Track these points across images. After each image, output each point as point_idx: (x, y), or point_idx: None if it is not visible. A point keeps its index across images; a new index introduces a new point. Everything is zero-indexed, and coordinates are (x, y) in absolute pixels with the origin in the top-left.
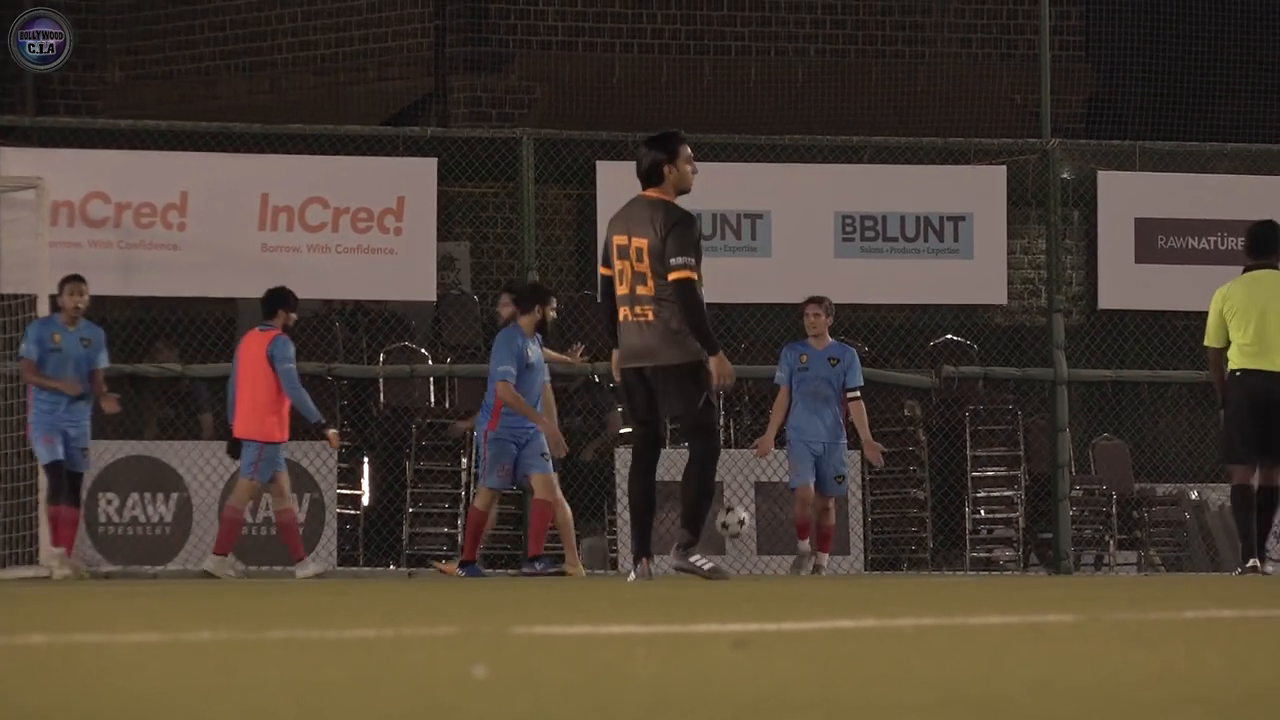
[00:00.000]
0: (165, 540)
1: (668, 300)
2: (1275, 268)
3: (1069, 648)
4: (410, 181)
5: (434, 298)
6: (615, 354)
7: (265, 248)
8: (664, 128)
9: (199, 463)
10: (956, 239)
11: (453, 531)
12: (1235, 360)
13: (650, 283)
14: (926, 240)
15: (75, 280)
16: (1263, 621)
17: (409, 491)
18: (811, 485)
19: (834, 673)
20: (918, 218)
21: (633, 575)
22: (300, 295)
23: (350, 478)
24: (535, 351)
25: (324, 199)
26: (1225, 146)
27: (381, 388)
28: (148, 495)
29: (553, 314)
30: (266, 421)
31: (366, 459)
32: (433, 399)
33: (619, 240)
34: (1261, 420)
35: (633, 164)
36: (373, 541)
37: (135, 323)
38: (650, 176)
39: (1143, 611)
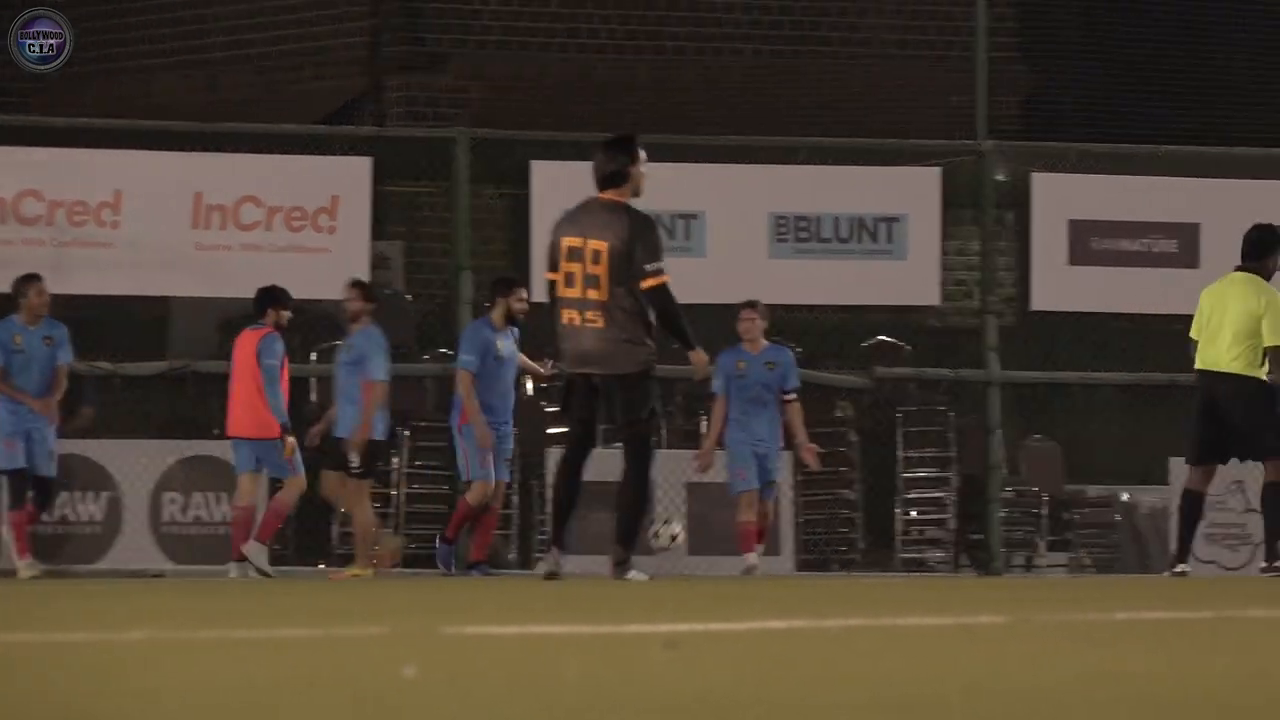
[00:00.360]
0: (96, 539)
1: (621, 309)
2: (1257, 273)
3: (1000, 648)
4: (345, 181)
5: None
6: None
7: (199, 246)
8: (599, 128)
9: (129, 461)
10: (890, 240)
11: (385, 530)
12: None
13: (604, 287)
14: (860, 241)
15: (37, 280)
16: (1192, 623)
17: None
18: (757, 490)
19: (764, 673)
20: (852, 219)
21: (542, 565)
22: (232, 295)
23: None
24: (507, 345)
25: (258, 198)
26: (1160, 149)
27: (313, 387)
28: (78, 494)
29: (521, 305)
30: (262, 418)
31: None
32: None
33: (570, 242)
34: (1204, 420)
35: (567, 164)
36: (303, 541)
37: (67, 320)
38: (613, 179)
39: (1073, 613)
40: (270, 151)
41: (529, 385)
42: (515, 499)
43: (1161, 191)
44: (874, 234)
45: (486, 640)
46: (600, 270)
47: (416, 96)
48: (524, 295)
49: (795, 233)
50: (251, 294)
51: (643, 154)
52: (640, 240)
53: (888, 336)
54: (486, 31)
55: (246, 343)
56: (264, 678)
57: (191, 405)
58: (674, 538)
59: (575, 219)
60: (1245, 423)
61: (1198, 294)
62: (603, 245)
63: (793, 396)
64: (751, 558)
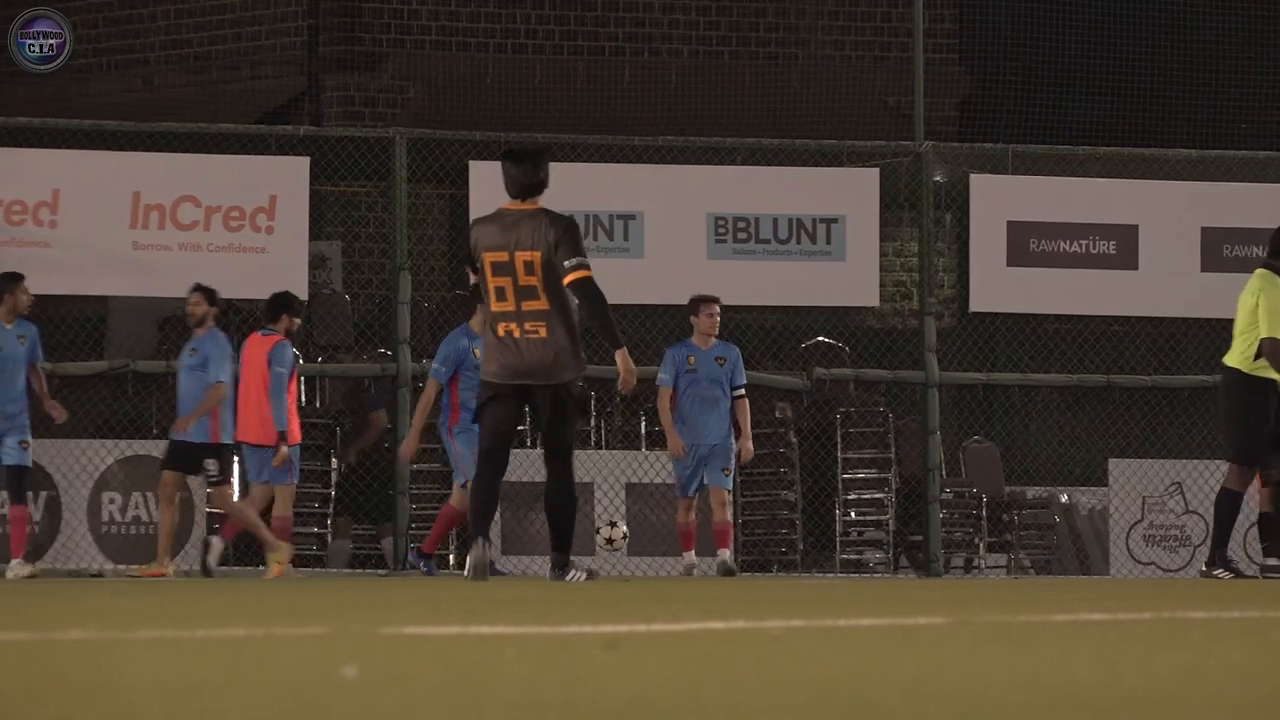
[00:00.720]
0: (34, 539)
1: (561, 316)
2: (1274, 270)
3: (939, 650)
4: (282, 180)
5: (306, 297)
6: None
7: (137, 246)
8: (537, 128)
9: (68, 461)
10: (829, 241)
11: (322, 531)
12: None
13: (543, 296)
14: (799, 242)
15: (21, 278)
16: (1132, 624)
17: None
18: (694, 497)
19: (704, 674)
20: (790, 219)
21: (469, 562)
22: (171, 294)
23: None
24: None
25: (196, 197)
26: (1098, 150)
27: None
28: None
29: None
30: (269, 424)
31: (237, 458)
32: (304, 398)
33: (494, 257)
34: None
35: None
36: (242, 541)
37: None
38: (536, 189)
39: (1013, 614)
40: (208, 151)
41: None
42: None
43: (1100, 193)
44: (812, 235)
45: (426, 640)
46: (535, 280)
47: (354, 96)
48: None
49: (734, 233)
50: (186, 294)
51: None
52: (563, 239)
53: (827, 338)
54: (424, 31)
55: (258, 348)
56: (204, 677)
57: (131, 405)
58: (624, 536)
59: (495, 231)
60: (1224, 417)
61: (1136, 295)
62: (534, 255)
63: (741, 393)
64: (691, 556)
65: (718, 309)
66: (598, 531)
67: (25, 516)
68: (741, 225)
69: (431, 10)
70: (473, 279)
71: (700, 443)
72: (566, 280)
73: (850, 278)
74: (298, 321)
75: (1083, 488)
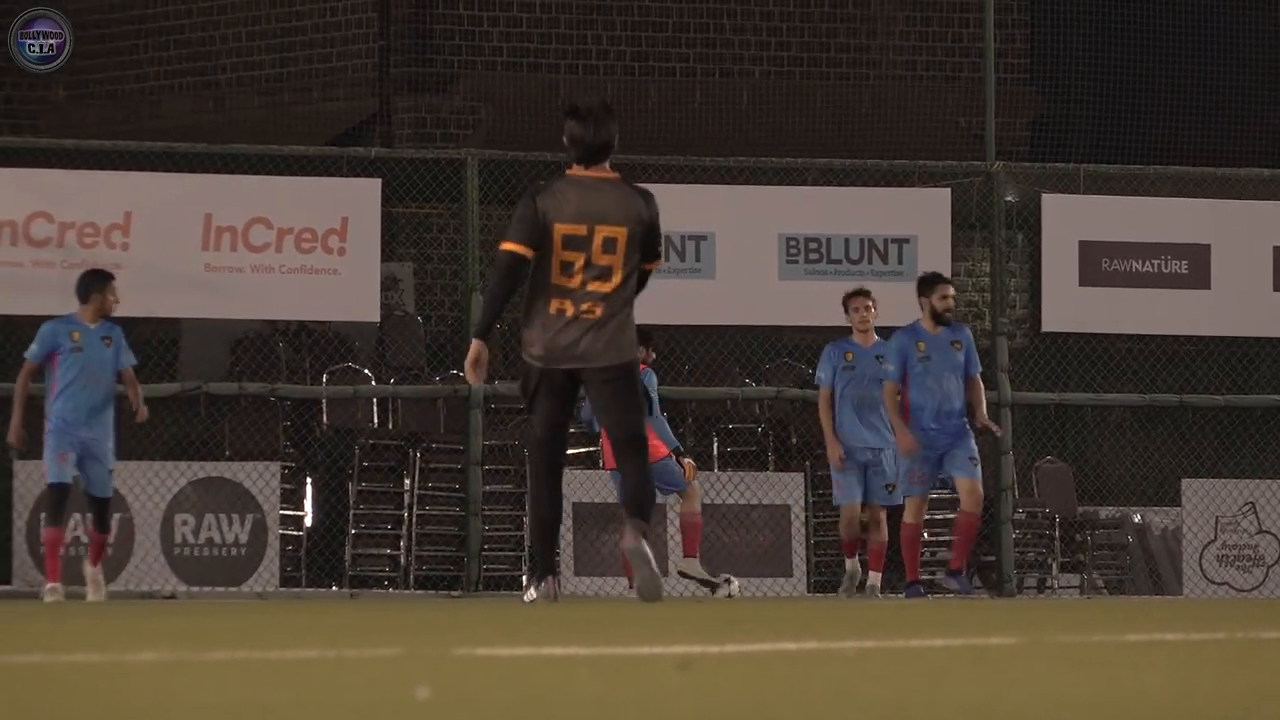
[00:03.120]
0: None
1: (624, 300)
2: None
3: (1011, 670)
4: (354, 202)
5: (378, 318)
6: (480, 347)
7: (209, 268)
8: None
9: (141, 483)
10: (901, 261)
11: (395, 553)
12: None
13: (616, 278)
14: (871, 262)
15: (111, 278)
16: (1205, 645)
17: (351, 512)
18: (859, 503)
19: (776, 695)
20: (862, 240)
21: (532, 594)
22: (243, 316)
23: (293, 498)
24: None
25: (268, 219)
26: (1169, 170)
27: (325, 408)
28: (90, 516)
29: None
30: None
31: (310, 480)
32: (376, 420)
33: (571, 229)
34: None
35: None
36: (315, 562)
37: None
38: (606, 151)
39: (1085, 634)
40: (279, 173)
41: None
42: (526, 520)
43: (1172, 212)
44: (884, 255)
45: (499, 661)
46: (613, 259)
47: (425, 118)
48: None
49: (805, 254)
50: (261, 315)
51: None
52: (656, 226)
53: None
54: (495, 52)
55: None
56: (276, 699)
57: (204, 426)
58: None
59: (572, 200)
60: None
61: (1208, 315)
62: (621, 231)
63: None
64: (853, 564)
65: (870, 301)
66: (717, 588)
67: (104, 541)
68: (813, 246)
69: (503, 31)
70: (515, 250)
71: (860, 449)
72: (650, 267)
73: None
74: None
75: (1156, 508)
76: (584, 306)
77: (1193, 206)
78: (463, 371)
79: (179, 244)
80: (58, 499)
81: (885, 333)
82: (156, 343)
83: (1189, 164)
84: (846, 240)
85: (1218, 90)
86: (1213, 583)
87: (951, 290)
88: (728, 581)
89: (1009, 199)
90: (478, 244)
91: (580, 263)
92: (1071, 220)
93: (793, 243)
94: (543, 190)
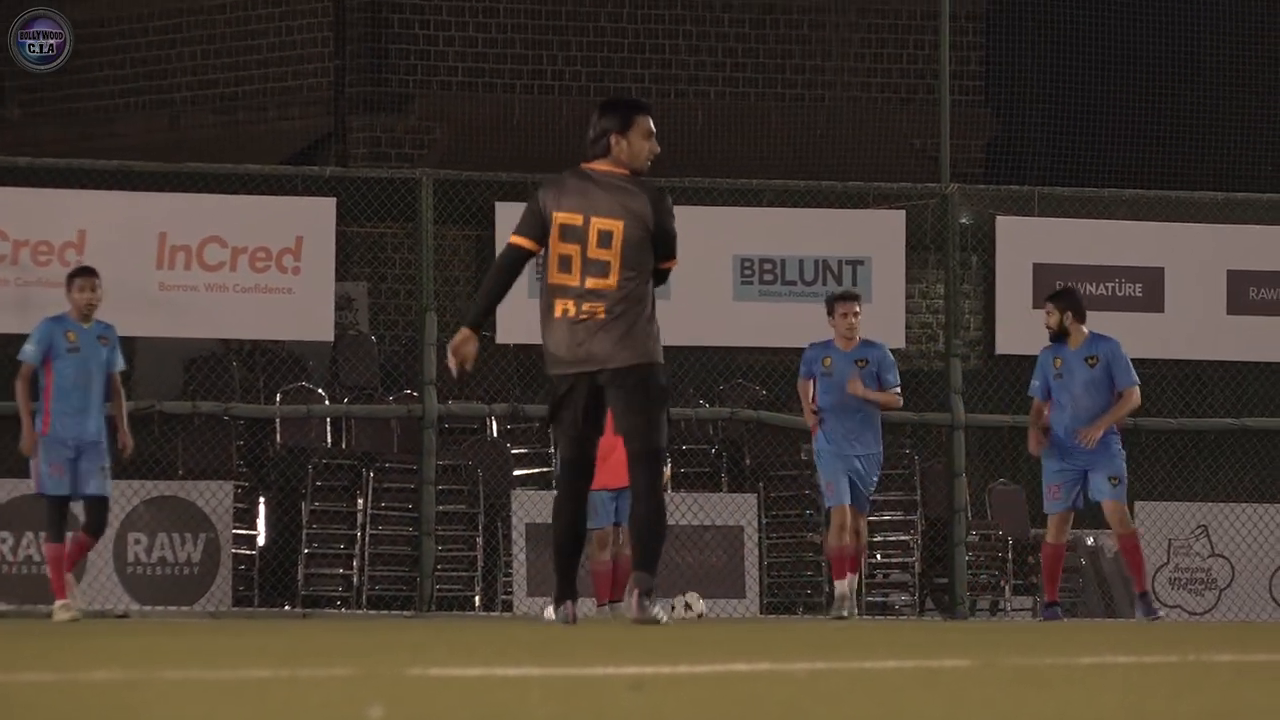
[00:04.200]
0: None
1: (630, 299)
2: None
3: (965, 693)
4: (309, 221)
5: (331, 338)
6: (468, 335)
7: (163, 286)
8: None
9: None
10: (855, 283)
11: (348, 572)
12: None
13: (614, 276)
14: (825, 284)
15: (87, 273)
16: (1157, 667)
17: (304, 532)
18: (848, 505)
19: (729, 717)
20: (816, 261)
21: (550, 615)
22: (197, 335)
23: (246, 518)
24: None
25: (222, 238)
26: (1123, 193)
27: (278, 428)
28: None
29: None
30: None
31: (263, 499)
32: (329, 439)
33: (568, 219)
34: None
35: None
36: (268, 582)
37: None
38: (593, 146)
39: (1038, 657)
40: (234, 192)
41: (493, 426)
42: (479, 541)
43: (1126, 235)
44: (839, 277)
45: (452, 682)
46: (610, 254)
47: (380, 137)
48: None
49: (760, 275)
50: (215, 334)
51: (646, 124)
52: (668, 221)
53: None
54: (451, 72)
55: None
56: (230, 718)
57: (157, 445)
58: (687, 607)
59: (575, 191)
60: None
61: (1162, 338)
62: (616, 225)
63: (895, 391)
64: (843, 586)
65: (857, 307)
66: (672, 609)
67: (81, 547)
68: (768, 267)
69: (458, 51)
70: (523, 244)
71: (847, 453)
72: (665, 266)
73: (876, 319)
74: (84, 297)
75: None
76: (586, 307)
77: (1147, 230)
78: (416, 392)
79: (133, 262)
80: (58, 513)
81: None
82: None
83: (1143, 187)
84: (801, 262)
85: (1172, 114)
86: (1166, 605)
87: (855, 307)
88: (688, 606)
89: (963, 221)
90: (432, 263)
91: (577, 257)
92: (1026, 243)
93: (747, 264)
94: (547, 182)
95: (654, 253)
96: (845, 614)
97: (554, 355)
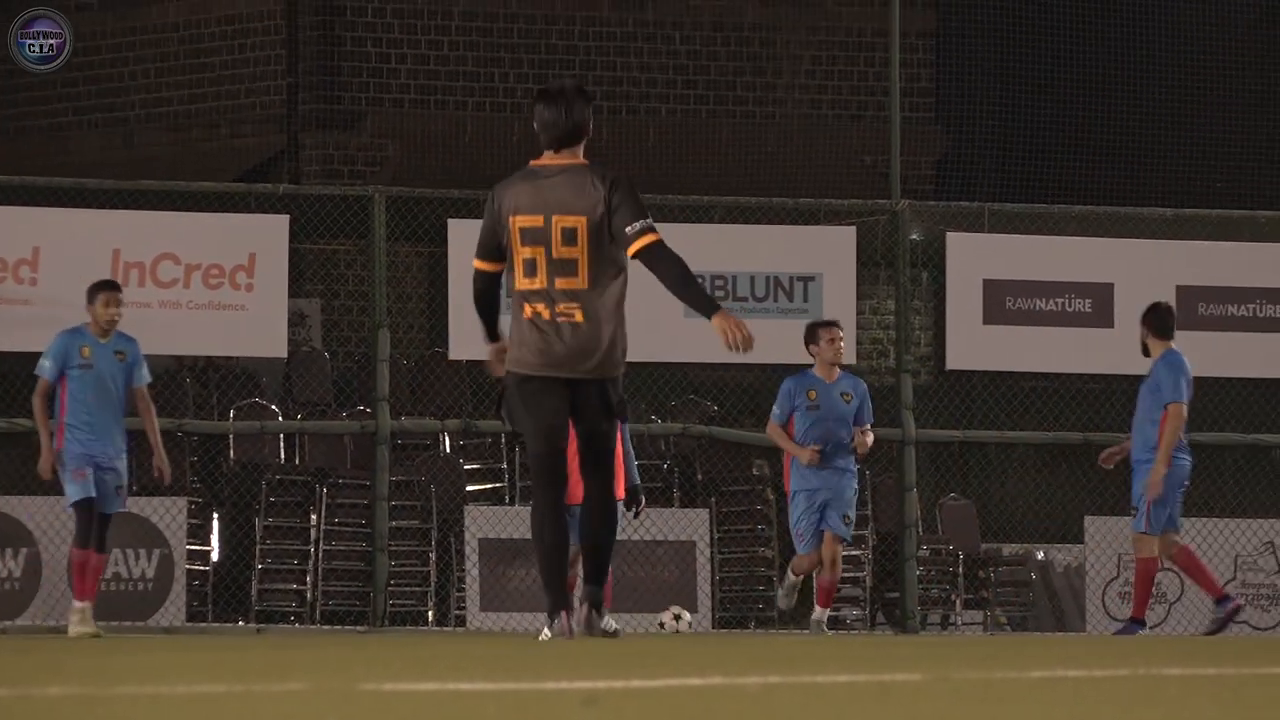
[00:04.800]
0: (14, 595)
1: (604, 295)
2: None
3: (916, 707)
4: (262, 238)
5: (285, 354)
6: (492, 347)
7: None
8: None
9: (48, 517)
10: (806, 299)
11: (301, 587)
12: None
13: (583, 273)
14: (776, 300)
15: (109, 286)
16: (1108, 681)
17: (258, 547)
18: (815, 555)
19: None
20: (767, 277)
21: (546, 634)
22: (151, 351)
23: (200, 533)
24: None
25: (175, 255)
26: (1073, 209)
27: (232, 444)
28: None
29: None
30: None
31: (216, 515)
32: (283, 455)
33: (525, 221)
34: None
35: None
36: (222, 597)
37: None
38: (576, 136)
39: (989, 671)
40: (188, 209)
41: (446, 442)
42: (433, 556)
43: (1075, 252)
44: (790, 293)
45: (406, 696)
46: (576, 252)
47: (333, 154)
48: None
49: (711, 291)
50: (169, 351)
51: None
52: (619, 196)
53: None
54: (403, 90)
55: None
56: None
57: None
58: (677, 618)
59: (527, 191)
60: None
61: (1112, 353)
62: (579, 220)
63: (866, 429)
64: (818, 611)
65: (840, 332)
66: (662, 626)
67: (101, 567)
68: (719, 283)
69: (410, 69)
70: (483, 268)
71: (817, 489)
72: (632, 249)
73: None
74: (108, 311)
75: (1059, 545)
76: (560, 308)
77: (1096, 246)
78: (370, 408)
79: (87, 279)
80: (86, 518)
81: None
82: None
83: (1093, 203)
84: (752, 278)
85: (1122, 131)
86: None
87: (840, 333)
88: (676, 618)
89: (914, 237)
90: (385, 280)
91: (542, 259)
92: (976, 259)
93: (698, 280)
94: (501, 185)
95: (612, 237)
96: (783, 602)
97: (516, 356)
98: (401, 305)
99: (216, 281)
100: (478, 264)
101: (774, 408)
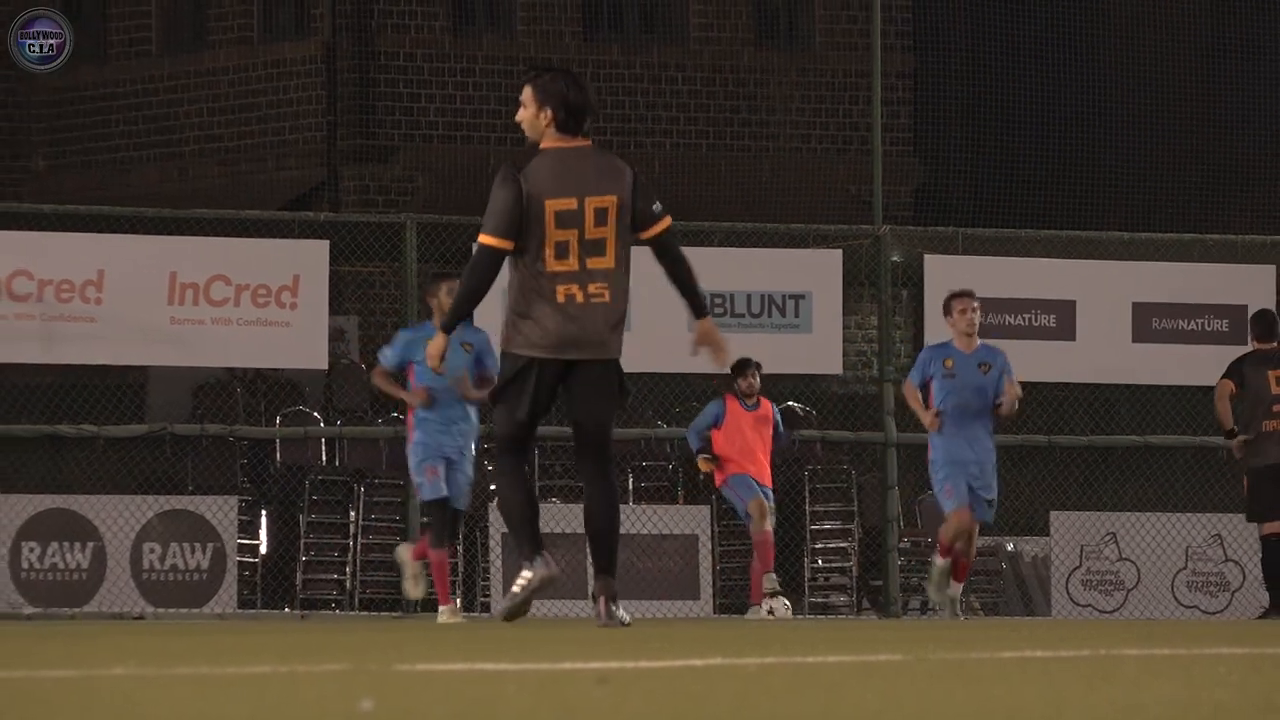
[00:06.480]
0: (82, 585)
1: (624, 282)
2: None
3: (898, 685)
4: (305, 261)
5: (326, 366)
6: (444, 339)
7: (174, 320)
8: None
9: (113, 514)
10: (797, 315)
11: (341, 577)
12: None
13: (611, 252)
14: (770, 316)
15: (448, 278)
16: (1072, 661)
17: (302, 541)
18: (968, 510)
19: (686, 709)
20: (762, 295)
21: (527, 575)
22: (205, 364)
23: (249, 529)
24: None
25: (227, 276)
26: (1039, 233)
27: (278, 447)
28: (66, 544)
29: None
30: None
31: (264, 512)
32: (324, 458)
33: (561, 205)
34: None
35: None
36: (269, 586)
37: (55, 387)
38: (590, 116)
39: (964, 652)
40: (237, 235)
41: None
42: (460, 549)
43: (1041, 271)
44: (782, 309)
45: (435, 676)
46: (606, 232)
47: (368, 185)
48: (754, 374)
49: (711, 308)
50: (221, 363)
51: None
52: (639, 183)
53: (795, 402)
54: (432, 126)
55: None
56: (234, 712)
57: (169, 464)
58: (785, 608)
59: (555, 175)
60: None
61: (1074, 364)
62: (611, 200)
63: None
64: (956, 589)
65: (976, 303)
66: (771, 613)
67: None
68: (718, 301)
69: (439, 108)
70: (492, 244)
71: (967, 461)
72: (655, 230)
73: (816, 348)
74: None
75: (1027, 537)
76: (592, 289)
77: (1060, 266)
78: (403, 415)
79: (147, 299)
80: (440, 516)
81: (793, 380)
82: (126, 388)
83: (1057, 228)
84: (748, 296)
85: (1084, 163)
86: (1078, 605)
87: (974, 305)
88: (770, 613)
89: (895, 259)
90: (416, 298)
91: (575, 241)
92: (951, 278)
93: None
94: (525, 169)
95: (635, 218)
96: (934, 592)
97: (534, 338)
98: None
99: (264, 300)
100: (493, 241)
101: (911, 374)
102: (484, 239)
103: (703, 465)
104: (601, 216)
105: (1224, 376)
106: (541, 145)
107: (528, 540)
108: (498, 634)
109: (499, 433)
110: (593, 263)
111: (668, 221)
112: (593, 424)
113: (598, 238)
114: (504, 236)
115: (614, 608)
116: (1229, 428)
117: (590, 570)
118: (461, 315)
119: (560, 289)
